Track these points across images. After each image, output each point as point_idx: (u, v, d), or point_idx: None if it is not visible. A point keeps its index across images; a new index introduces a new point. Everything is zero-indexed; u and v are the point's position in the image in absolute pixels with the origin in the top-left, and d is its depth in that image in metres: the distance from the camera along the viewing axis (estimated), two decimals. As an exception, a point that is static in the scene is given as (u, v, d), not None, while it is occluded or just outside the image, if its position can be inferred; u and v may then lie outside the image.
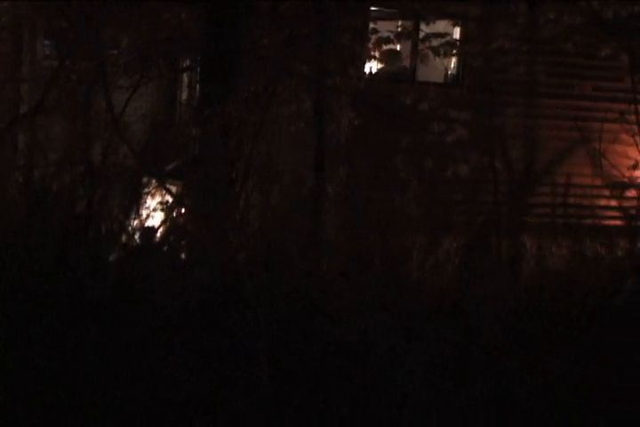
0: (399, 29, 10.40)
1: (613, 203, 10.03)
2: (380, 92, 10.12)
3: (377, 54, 10.19)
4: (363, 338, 4.19)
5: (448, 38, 10.23)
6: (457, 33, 10.66)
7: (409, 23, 10.36)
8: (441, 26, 10.50)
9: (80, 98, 8.18)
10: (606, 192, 10.25)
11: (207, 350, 3.97)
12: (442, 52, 10.07)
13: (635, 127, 10.19)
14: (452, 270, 4.87)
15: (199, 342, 3.97)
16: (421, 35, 10.16)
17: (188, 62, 9.67)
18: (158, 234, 5.13)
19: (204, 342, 3.97)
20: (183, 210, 6.21)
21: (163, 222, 5.45)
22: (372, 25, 10.07)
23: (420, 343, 4.04)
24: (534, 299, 4.53)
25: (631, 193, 10.10)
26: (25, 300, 4.08)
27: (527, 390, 4.08)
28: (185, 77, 10.14)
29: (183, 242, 5.04)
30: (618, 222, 7.53)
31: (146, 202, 5.55)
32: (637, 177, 10.26)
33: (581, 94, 10.75)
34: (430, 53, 10.07)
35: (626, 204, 10.03)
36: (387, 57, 10.35)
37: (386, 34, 10.09)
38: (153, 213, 5.56)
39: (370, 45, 9.99)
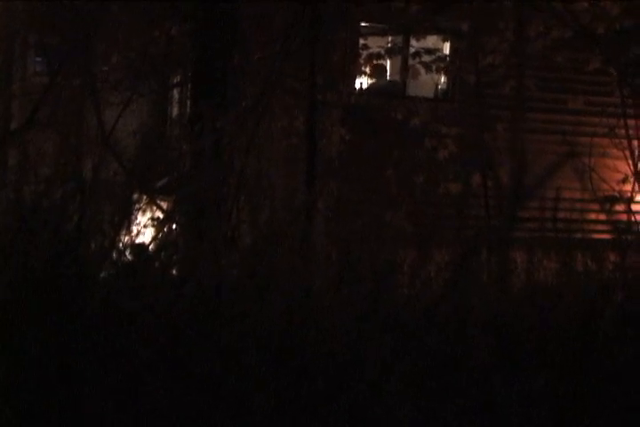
0: (389, 45, 10.46)
1: (603, 217, 10.07)
2: (370, 107, 10.16)
3: (367, 70, 10.24)
4: (354, 352, 4.20)
5: (439, 54, 10.30)
6: (447, 48, 10.71)
7: (399, 39, 10.42)
8: (431, 41, 10.56)
9: (71, 114, 8.20)
10: (596, 206, 10.29)
11: (197, 366, 3.97)
12: (433, 68, 10.13)
13: (624, 141, 10.24)
14: (442, 284, 4.88)
15: (189, 359, 3.97)
16: (411, 50, 10.22)
17: (178, 78, 9.70)
18: (149, 250, 5.12)
19: (194, 358, 3.97)
20: (174, 226, 6.21)
21: (153, 239, 5.45)
22: (363, 41, 10.13)
23: (411, 356, 4.06)
24: (524, 312, 4.55)
25: (620, 207, 10.14)
26: (15, 316, 4.08)
27: (516, 403, 4.09)
28: (176, 93, 10.17)
29: (174, 258, 5.04)
30: (607, 236, 7.54)
31: (137, 218, 5.54)
32: (627, 191, 10.29)
33: (572, 109, 10.80)
34: (421, 69, 10.13)
35: (615, 217, 10.06)
36: (374, 72, 10.41)
37: (376, 49, 10.16)
38: (144, 229, 5.56)
39: (361, 61, 10.04)
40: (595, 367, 4.47)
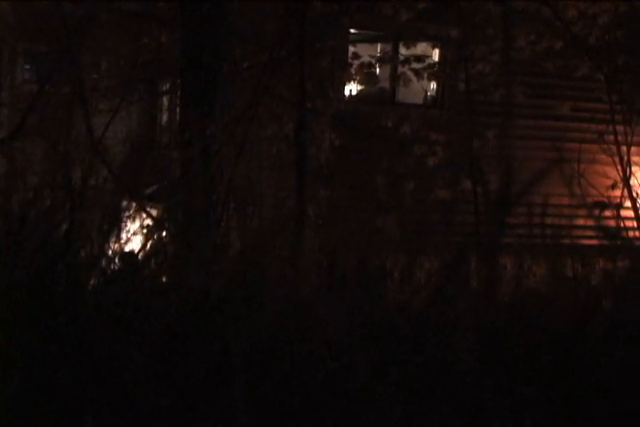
0: (379, 53, 10.49)
1: (591, 222, 10.10)
2: (359, 113, 10.18)
3: (358, 78, 10.27)
4: (343, 360, 4.20)
5: (430, 61, 10.33)
6: (436, 55, 10.74)
7: (388, 46, 10.45)
8: (420, 48, 10.59)
9: (60, 122, 8.19)
10: (584, 212, 10.32)
11: (188, 372, 3.97)
12: (425, 76, 10.16)
13: (613, 147, 10.28)
14: (431, 291, 4.88)
15: (180, 366, 3.97)
16: (401, 57, 10.25)
17: (167, 85, 9.71)
18: (138, 258, 5.11)
19: (185, 365, 3.97)
20: (164, 233, 6.20)
21: (143, 246, 5.44)
22: (353, 49, 10.16)
23: (401, 362, 4.06)
24: (514, 318, 4.56)
25: (609, 213, 10.17)
26: (6, 323, 4.08)
27: (507, 408, 4.10)
28: (165, 100, 10.18)
29: (164, 266, 5.03)
30: (596, 242, 7.57)
31: (126, 225, 5.54)
32: (616, 196, 10.32)
33: (560, 115, 10.83)
34: (412, 76, 10.15)
35: (604, 223, 10.09)
36: (365, 78, 10.43)
37: (367, 59, 10.18)
38: (133, 236, 5.55)
39: (352, 70, 10.07)
40: (585, 373, 4.48)
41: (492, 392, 4.21)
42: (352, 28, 10.28)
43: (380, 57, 10.38)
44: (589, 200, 10.43)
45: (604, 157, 10.50)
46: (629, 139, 10.22)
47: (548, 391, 4.28)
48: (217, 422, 3.94)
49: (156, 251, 5.13)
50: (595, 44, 9.78)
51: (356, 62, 10.08)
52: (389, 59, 10.34)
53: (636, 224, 9.71)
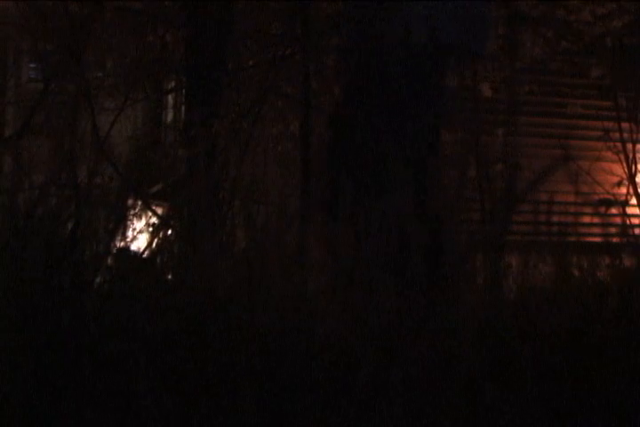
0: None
1: (597, 220, 10.10)
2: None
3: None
4: (348, 360, 4.20)
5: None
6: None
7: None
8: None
9: (65, 120, 8.20)
10: (590, 209, 10.32)
11: (189, 375, 3.98)
12: None
13: (619, 145, 10.29)
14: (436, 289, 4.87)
15: (181, 368, 3.97)
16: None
17: (173, 84, 9.71)
18: (144, 256, 5.12)
19: (185, 367, 3.98)
20: (169, 231, 6.22)
21: (148, 244, 5.46)
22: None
23: (403, 365, 4.06)
24: (518, 318, 4.55)
25: (615, 210, 10.17)
26: (7, 323, 4.08)
27: (510, 410, 4.09)
28: (170, 99, 10.18)
29: (170, 264, 5.04)
30: (601, 239, 7.57)
31: (132, 224, 5.55)
32: (622, 194, 10.33)
33: (567, 112, 10.82)
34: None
35: (610, 221, 10.09)
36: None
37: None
38: (139, 234, 5.57)
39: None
40: (590, 373, 4.48)
41: (496, 391, 4.21)
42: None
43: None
44: (595, 198, 10.44)
45: (609, 154, 10.50)
46: (635, 136, 10.24)
47: (552, 391, 4.28)
48: (220, 421, 3.94)
49: (161, 249, 5.15)
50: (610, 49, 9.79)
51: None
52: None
53: (641, 222, 9.71)
